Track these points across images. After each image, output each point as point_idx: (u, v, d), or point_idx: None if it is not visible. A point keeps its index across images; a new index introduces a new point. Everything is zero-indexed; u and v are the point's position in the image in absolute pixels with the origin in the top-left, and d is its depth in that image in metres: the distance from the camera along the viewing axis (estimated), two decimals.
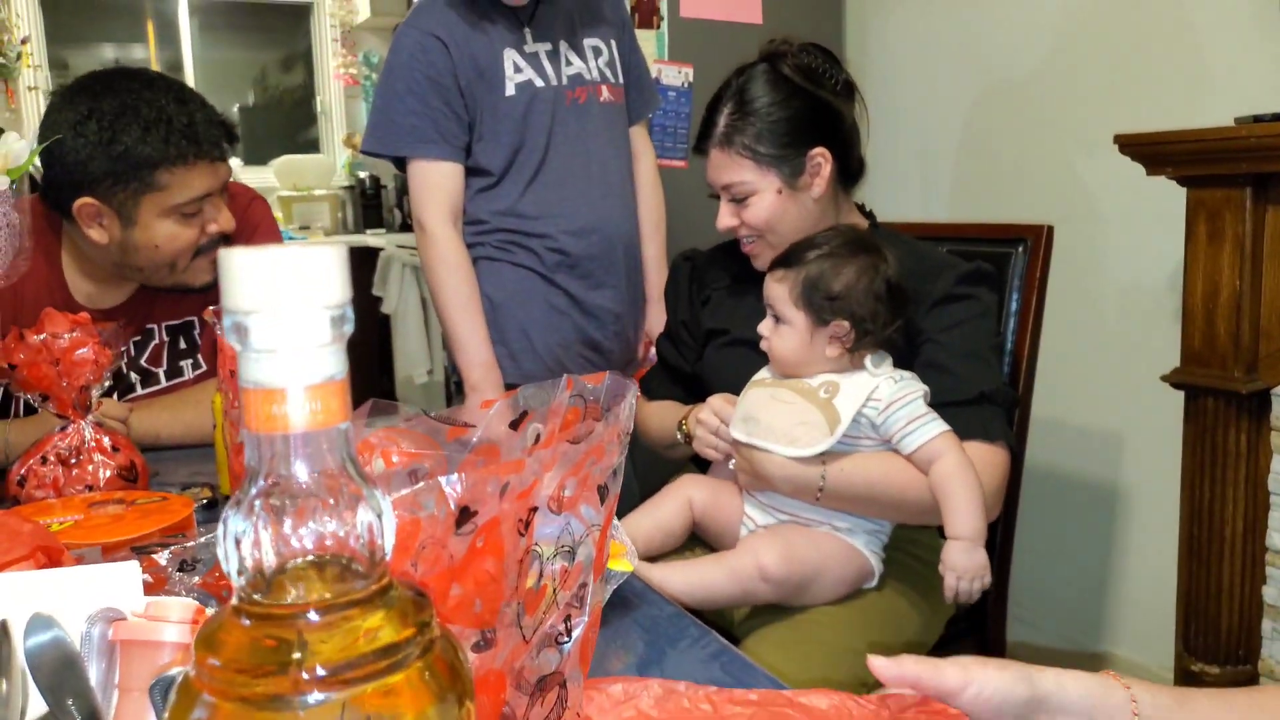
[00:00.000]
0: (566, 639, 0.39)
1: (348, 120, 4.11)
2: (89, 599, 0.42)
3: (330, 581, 0.26)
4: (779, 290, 1.11)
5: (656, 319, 1.74)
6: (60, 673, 0.36)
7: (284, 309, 0.24)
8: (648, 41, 2.02)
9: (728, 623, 1.18)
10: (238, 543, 0.25)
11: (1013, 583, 1.38)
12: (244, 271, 0.25)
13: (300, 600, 0.25)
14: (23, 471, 1.03)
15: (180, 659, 0.35)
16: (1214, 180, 1.32)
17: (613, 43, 1.64)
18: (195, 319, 1.41)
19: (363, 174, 3.90)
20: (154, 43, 4.24)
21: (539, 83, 1.55)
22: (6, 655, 0.39)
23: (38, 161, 1.05)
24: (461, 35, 1.50)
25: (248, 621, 0.25)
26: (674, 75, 2.03)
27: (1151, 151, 1.36)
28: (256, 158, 4.06)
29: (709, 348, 1.35)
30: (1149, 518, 1.93)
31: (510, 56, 1.53)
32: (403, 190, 3.91)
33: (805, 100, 1.20)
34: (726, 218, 1.25)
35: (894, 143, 2.39)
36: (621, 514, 1.17)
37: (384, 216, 3.90)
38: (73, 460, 1.05)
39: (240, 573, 0.26)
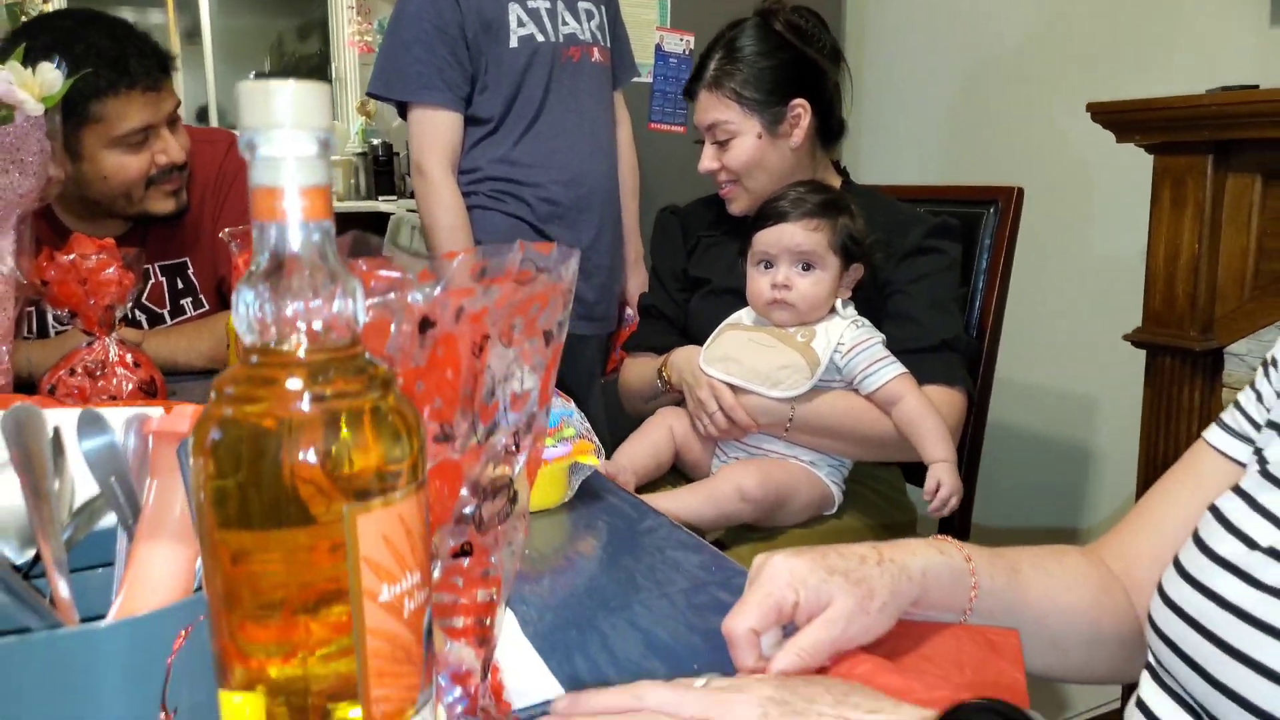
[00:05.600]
0: (516, 451, 0.47)
1: (361, 87, 4.18)
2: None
3: (315, 338, 0.34)
4: (816, 238, 1.16)
5: (635, 281, 1.83)
6: (106, 462, 0.44)
7: (285, 126, 0.33)
8: (650, 8, 2.08)
9: None
10: (247, 307, 0.33)
11: (974, 535, 1.45)
12: (256, 97, 0.33)
13: (292, 348, 0.34)
14: (53, 381, 1.12)
15: None
16: (1178, 147, 1.38)
17: (603, 8, 1.71)
18: (187, 260, 1.49)
19: (375, 141, 3.97)
20: (172, 8, 4.31)
21: (540, 37, 1.62)
22: (59, 458, 0.47)
23: None
24: None
25: (255, 359, 0.34)
26: (675, 42, 2.10)
27: (1120, 119, 1.42)
28: None
29: (694, 297, 1.42)
30: (1111, 476, 2.01)
31: (515, 10, 1.60)
32: None
33: (791, 54, 1.28)
34: (708, 160, 1.33)
35: (884, 110, 2.45)
36: (611, 449, 1.26)
37: (395, 183, 3.97)
38: (98, 373, 1.14)
39: (249, 330, 0.34)
